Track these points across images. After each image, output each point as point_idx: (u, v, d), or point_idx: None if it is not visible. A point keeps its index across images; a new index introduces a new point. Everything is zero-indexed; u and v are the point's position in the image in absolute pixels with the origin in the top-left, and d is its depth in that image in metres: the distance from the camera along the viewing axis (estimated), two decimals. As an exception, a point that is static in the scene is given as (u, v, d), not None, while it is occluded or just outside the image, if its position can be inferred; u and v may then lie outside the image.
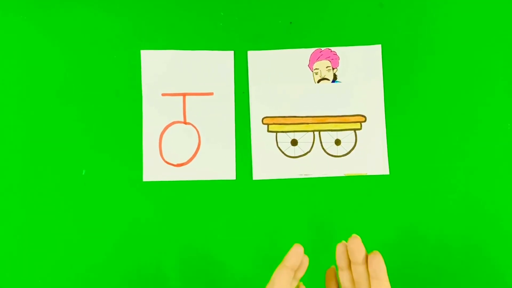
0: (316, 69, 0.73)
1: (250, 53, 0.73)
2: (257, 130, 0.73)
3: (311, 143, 0.73)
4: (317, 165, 0.72)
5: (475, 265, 0.70)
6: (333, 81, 0.73)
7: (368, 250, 0.71)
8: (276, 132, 0.73)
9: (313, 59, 0.73)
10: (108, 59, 0.73)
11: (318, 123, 0.73)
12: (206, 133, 0.73)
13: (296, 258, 0.48)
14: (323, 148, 0.73)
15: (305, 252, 0.71)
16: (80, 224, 0.71)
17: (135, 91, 0.73)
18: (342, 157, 0.72)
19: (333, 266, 0.53)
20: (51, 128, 0.72)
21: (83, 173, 0.71)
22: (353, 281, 0.49)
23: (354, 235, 0.48)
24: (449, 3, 0.74)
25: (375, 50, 0.73)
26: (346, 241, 0.49)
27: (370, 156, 0.72)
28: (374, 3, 0.74)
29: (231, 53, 0.73)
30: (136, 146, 0.72)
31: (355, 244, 0.47)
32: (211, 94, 0.73)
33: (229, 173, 0.72)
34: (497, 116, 0.72)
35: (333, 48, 0.73)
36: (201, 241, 0.71)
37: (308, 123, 0.73)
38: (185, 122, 0.73)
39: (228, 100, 0.73)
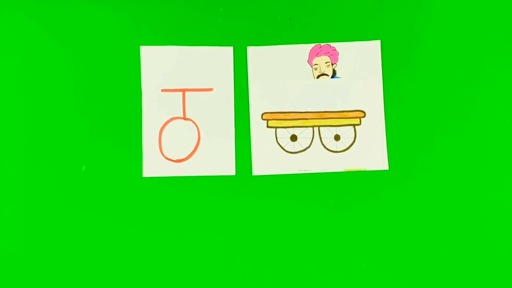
0: (316, 64, 0.73)
1: (250, 49, 0.73)
2: (257, 125, 0.73)
3: (311, 139, 0.73)
4: (316, 160, 0.72)
5: (476, 262, 0.70)
6: (333, 76, 0.73)
7: (368, 247, 0.71)
8: (276, 127, 0.73)
9: (312, 55, 0.73)
10: (107, 55, 0.73)
11: (318, 118, 0.73)
12: (205, 129, 0.73)
13: None
14: (322, 144, 0.73)
15: (305, 249, 0.71)
16: (80, 219, 0.71)
17: (134, 87, 0.73)
18: (342, 153, 0.72)
19: None
20: (50, 125, 0.72)
21: (83, 169, 0.71)
22: None
23: None
24: (448, -2, 0.74)
25: (375, 46, 0.73)
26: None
27: (370, 151, 0.72)
28: (373, -1, 0.74)
29: (230, 49, 0.73)
30: (136, 142, 0.72)
31: None
32: (211, 90, 0.73)
33: (228, 168, 0.72)
34: (496, 111, 0.72)
35: (332, 44, 0.73)
36: (200, 236, 0.71)
37: (307, 119, 0.73)
38: (184, 118, 0.73)
39: (228, 96, 0.73)
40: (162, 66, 0.73)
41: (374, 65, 0.73)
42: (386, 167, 0.72)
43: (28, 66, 0.73)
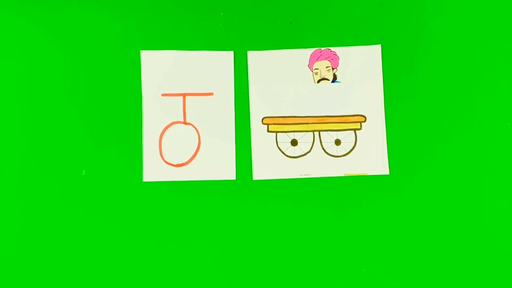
0: (316, 69, 0.73)
1: (250, 53, 0.73)
2: (257, 130, 0.73)
3: (311, 143, 0.73)
4: (317, 165, 0.72)
5: (477, 267, 0.70)
6: (333, 81, 0.73)
7: (369, 251, 0.71)
8: (276, 132, 0.73)
9: (313, 59, 0.73)
10: (108, 59, 0.73)
11: (318, 123, 0.73)
12: (206, 133, 0.73)
13: None
14: (323, 148, 0.73)
15: (305, 253, 0.71)
16: (79, 224, 0.71)
17: (135, 92, 0.73)
18: (342, 157, 0.72)
19: None
20: (50, 129, 0.72)
21: (83, 174, 0.71)
22: None
23: None
24: (449, 2, 0.74)
25: (375, 50, 0.73)
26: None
27: (370, 156, 0.72)
28: (374, 3, 0.74)
29: (231, 53, 0.73)
30: (136, 146, 0.72)
31: None
32: (211, 94, 0.73)
33: (229, 173, 0.72)
34: (497, 115, 0.72)
35: (332, 48, 0.73)
36: (201, 241, 0.71)
37: (308, 123, 0.73)
38: (185, 123, 0.73)
39: (228, 100, 0.73)
40: (162, 70, 0.73)
41: (375, 70, 0.73)
42: (386, 172, 0.72)
43: (29, 71, 0.72)
